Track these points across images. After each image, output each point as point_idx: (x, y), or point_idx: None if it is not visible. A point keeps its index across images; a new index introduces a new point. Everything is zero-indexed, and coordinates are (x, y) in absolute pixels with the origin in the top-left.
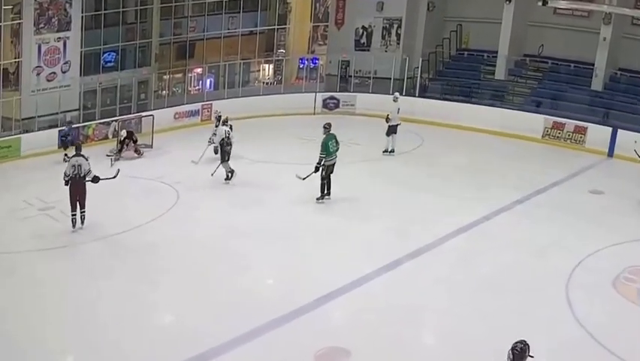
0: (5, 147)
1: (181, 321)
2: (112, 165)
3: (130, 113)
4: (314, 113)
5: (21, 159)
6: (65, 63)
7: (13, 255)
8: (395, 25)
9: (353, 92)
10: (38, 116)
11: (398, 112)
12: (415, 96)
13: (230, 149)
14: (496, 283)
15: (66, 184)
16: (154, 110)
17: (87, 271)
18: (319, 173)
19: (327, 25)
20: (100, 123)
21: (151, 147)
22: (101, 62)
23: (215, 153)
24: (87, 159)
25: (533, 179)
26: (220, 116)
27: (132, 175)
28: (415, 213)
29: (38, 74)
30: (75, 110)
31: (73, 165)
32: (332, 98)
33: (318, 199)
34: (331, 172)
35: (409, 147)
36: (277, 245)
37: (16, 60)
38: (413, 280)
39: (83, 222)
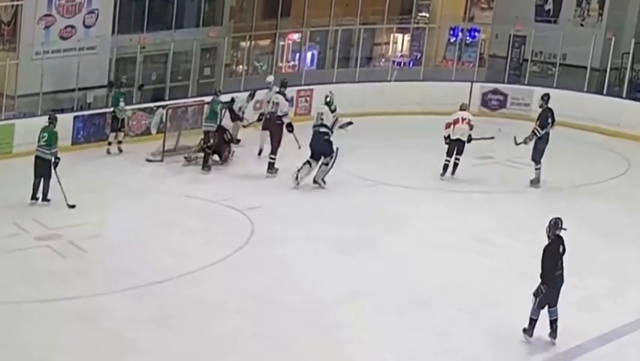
0: None
1: None
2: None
3: (187, 97)
4: None
5: (13, 157)
6: (90, 13)
7: None
8: None
9: (528, 84)
10: (43, 93)
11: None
12: (621, 97)
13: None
14: None
15: (259, 120)
16: (224, 93)
17: (108, 341)
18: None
19: None
20: (139, 110)
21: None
22: (146, 14)
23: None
24: (288, 100)
25: None
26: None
27: (187, 194)
28: (608, 276)
29: (47, 28)
30: (102, 86)
31: (272, 102)
32: (496, 92)
33: None
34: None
35: (607, 173)
36: (395, 313)
37: (14, 3)
38: None
39: (271, 170)
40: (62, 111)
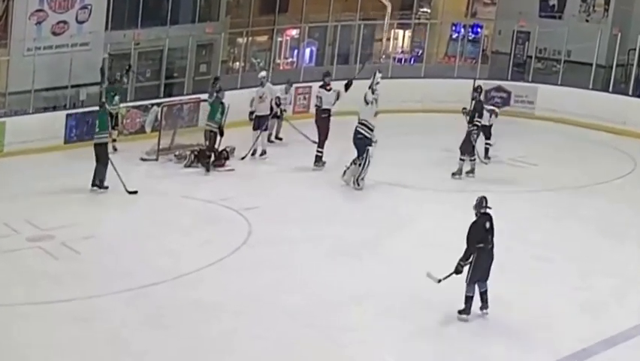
0: None
1: None
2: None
3: (182, 95)
4: None
5: (4, 156)
6: (83, 8)
7: None
8: None
9: (532, 82)
10: (35, 91)
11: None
12: (627, 94)
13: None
14: None
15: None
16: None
17: (104, 342)
18: None
19: None
20: (134, 107)
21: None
22: (140, 9)
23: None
24: (334, 92)
25: None
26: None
27: (183, 194)
28: (612, 277)
29: (39, 23)
30: (95, 83)
31: (316, 96)
32: (499, 89)
33: None
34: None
35: (612, 172)
36: (397, 318)
37: None
38: None
39: (318, 163)
40: (54, 109)
